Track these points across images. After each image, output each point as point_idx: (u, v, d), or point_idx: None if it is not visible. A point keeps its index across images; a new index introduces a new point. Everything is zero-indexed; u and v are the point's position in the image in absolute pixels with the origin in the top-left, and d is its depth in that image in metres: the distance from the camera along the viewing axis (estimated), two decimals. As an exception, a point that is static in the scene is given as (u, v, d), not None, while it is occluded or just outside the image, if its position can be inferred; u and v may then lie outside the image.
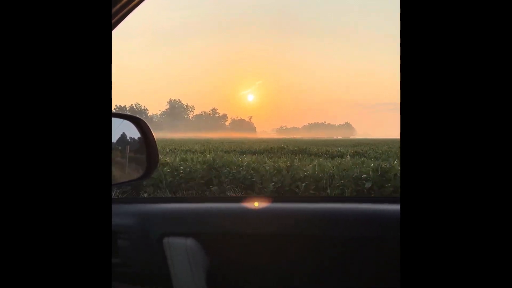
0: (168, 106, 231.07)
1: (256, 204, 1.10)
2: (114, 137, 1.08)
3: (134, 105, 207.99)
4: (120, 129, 1.08)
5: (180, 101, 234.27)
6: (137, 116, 1.10)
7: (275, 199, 1.16)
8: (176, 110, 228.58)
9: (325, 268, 1.01)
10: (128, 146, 1.12)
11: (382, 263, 0.96)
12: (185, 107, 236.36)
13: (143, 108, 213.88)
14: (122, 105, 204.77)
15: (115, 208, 1.17)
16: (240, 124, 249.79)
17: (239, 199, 1.16)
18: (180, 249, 1.03)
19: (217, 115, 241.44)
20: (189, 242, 1.03)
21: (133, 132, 1.08)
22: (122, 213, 1.16)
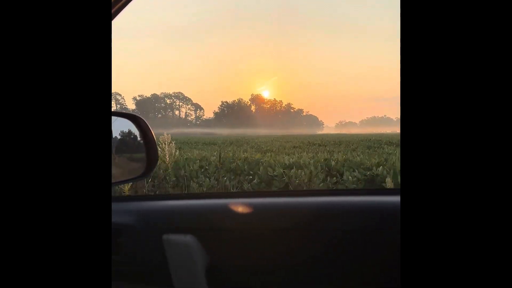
0: (251, 102, 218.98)
1: (256, 200, 1.11)
2: (113, 135, 1.07)
3: (237, 101, 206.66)
4: (119, 127, 1.08)
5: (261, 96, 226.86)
6: (135, 114, 1.10)
7: (276, 194, 1.18)
8: (259, 105, 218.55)
9: (330, 262, 1.00)
10: (126, 145, 1.13)
11: (382, 255, 0.95)
12: (272, 102, 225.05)
13: (244, 102, 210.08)
14: (229, 101, 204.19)
15: (115, 206, 1.18)
16: (307, 119, 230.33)
17: (239, 195, 1.18)
18: (180, 246, 1.04)
19: (292, 110, 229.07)
20: (189, 238, 1.04)
21: (132, 130, 1.09)
22: (122, 211, 1.17)
